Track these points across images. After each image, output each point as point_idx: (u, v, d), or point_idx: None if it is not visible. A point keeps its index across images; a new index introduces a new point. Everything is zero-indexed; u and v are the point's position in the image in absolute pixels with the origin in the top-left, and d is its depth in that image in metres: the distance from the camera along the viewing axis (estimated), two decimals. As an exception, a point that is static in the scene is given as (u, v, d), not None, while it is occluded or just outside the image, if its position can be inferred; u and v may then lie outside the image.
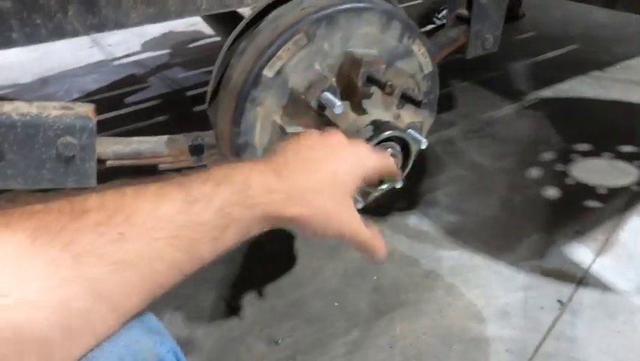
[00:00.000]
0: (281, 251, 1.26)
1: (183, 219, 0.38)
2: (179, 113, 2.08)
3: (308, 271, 1.18)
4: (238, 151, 0.68)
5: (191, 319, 1.08)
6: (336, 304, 1.09)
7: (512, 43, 2.48)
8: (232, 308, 1.10)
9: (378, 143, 0.64)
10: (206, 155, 0.86)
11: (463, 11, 1.02)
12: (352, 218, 0.50)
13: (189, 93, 2.24)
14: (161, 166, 0.83)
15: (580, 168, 1.45)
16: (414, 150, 0.71)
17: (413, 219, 1.31)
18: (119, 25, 0.65)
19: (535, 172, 1.46)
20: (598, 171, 1.43)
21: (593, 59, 2.17)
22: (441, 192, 1.41)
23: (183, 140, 0.84)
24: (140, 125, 1.99)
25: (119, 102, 2.20)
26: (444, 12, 2.80)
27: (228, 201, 0.41)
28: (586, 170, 1.44)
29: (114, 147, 0.78)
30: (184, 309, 1.10)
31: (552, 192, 1.37)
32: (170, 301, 1.13)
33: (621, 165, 1.45)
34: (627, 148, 1.51)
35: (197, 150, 0.84)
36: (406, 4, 3.29)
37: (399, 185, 0.78)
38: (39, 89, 2.45)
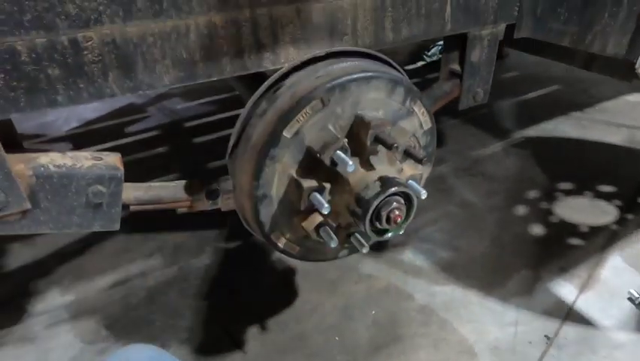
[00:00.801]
0: (281, 285, 1.31)
1: None
2: (179, 143, 2.14)
3: (309, 305, 1.23)
4: (256, 201, 0.75)
5: (196, 353, 1.12)
6: (336, 338, 1.14)
7: (498, 82, 2.61)
8: (236, 343, 1.14)
9: (385, 197, 0.71)
10: (221, 199, 0.92)
11: (456, 67, 1.12)
12: None
13: (188, 124, 2.30)
14: (179, 210, 0.88)
15: (563, 206, 1.54)
16: (415, 201, 0.78)
17: (408, 255, 1.38)
18: (152, 87, 0.72)
19: (522, 210, 1.55)
20: (580, 210, 1.52)
21: (573, 99, 2.31)
22: (434, 228, 1.48)
23: (200, 185, 0.90)
24: (140, 155, 2.04)
25: (118, 132, 2.25)
26: (433, 50, 2.94)
27: None
28: (569, 208, 1.53)
29: (137, 193, 0.83)
30: (188, 344, 1.14)
31: (538, 230, 1.45)
32: (173, 334, 1.16)
33: (601, 204, 1.55)
34: (607, 188, 1.61)
35: (212, 195, 0.90)
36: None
37: (401, 232, 0.85)
38: (38, 116, 2.49)
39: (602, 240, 1.39)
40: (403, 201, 0.74)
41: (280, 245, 0.83)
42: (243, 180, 0.76)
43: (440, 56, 3.22)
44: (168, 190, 0.87)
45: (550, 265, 1.31)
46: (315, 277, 1.32)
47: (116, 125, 2.34)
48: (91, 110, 2.55)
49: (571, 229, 1.44)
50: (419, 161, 0.75)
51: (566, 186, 1.65)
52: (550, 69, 2.72)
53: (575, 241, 1.39)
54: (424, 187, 0.79)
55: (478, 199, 1.61)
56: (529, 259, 1.34)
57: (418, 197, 0.77)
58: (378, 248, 1.40)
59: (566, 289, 1.23)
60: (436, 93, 1.10)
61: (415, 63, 2.90)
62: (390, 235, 0.78)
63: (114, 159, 0.79)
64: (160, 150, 2.09)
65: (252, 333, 1.16)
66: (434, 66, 2.81)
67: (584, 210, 1.52)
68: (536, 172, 1.74)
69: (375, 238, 0.77)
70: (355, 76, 0.73)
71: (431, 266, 1.33)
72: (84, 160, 0.75)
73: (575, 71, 2.68)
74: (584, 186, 1.63)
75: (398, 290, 1.26)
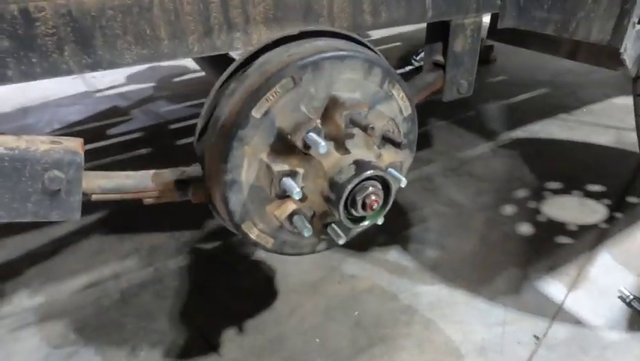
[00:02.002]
0: (260, 286, 1.25)
1: None
2: (162, 145, 2.09)
3: (288, 307, 1.18)
4: (225, 188, 0.70)
5: (168, 356, 1.06)
6: (317, 340, 1.09)
7: (486, 86, 2.61)
8: (211, 345, 1.08)
9: (360, 182, 0.67)
10: (191, 190, 0.87)
11: (440, 58, 1.09)
12: None
13: (172, 126, 2.26)
14: (146, 201, 0.83)
15: (551, 205, 1.51)
16: (394, 188, 0.74)
17: (393, 254, 1.33)
18: (114, 65, 0.68)
19: (510, 209, 1.51)
20: (568, 209, 1.49)
21: (560, 102, 2.30)
22: (421, 227, 1.44)
23: (169, 175, 0.85)
24: (122, 157, 1.98)
25: (101, 134, 2.20)
26: (421, 54, 2.94)
27: None
28: (557, 207, 1.50)
29: (100, 182, 0.79)
30: (161, 346, 1.08)
31: (526, 229, 1.42)
32: (145, 337, 1.10)
33: (590, 203, 1.52)
34: (595, 187, 1.59)
35: (182, 185, 0.86)
36: (385, 47, 3.43)
37: (380, 221, 0.80)
38: (19, 119, 2.43)
39: (591, 238, 1.36)
40: (380, 186, 0.70)
41: (252, 236, 0.78)
42: (210, 165, 0.71)
43: (428, 60, 3.17)
44: (134, 179, 0.82)
45: (538, 264, 1.27)
46: (296, 277, 1.27)
47: (99, 128, 2.29)
48: (74, 112, 2.50)
49: (559, 227, 1.41)
50: (398, 145, 0.71)
51: (554, 185, 1.62)
52: (538, 74, 2.73)
53: (563, 240, 1.36)
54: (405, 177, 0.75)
55: (466, 199, 1.57)
56: (518, 257, 1.30)
57: (398, 184, 0.73)
58: (363, 247, 1.35)
59: (554, 288, 1.19)
60: (419, 84, 1.06)
61: (403, 68, 2.90)
62: (367, 223, 0.74)
63: (74, 144, 0.74)
64: (142, 151, 2.04)
65: (229, 335, 1.11)
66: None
67: (573, 209, 1.49)
68: (524, 172, 1.72)
69: (351, 227, 0.73)
70: (329, 54, 0.69)
71: (417, 266, 1.29)
72: (40, 144, 0.70)
73: (562, 75, 2.69)
74: (573, 186, 1.60)
75: (382, 291, 1.21)
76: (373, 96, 0.77)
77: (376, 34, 3.47)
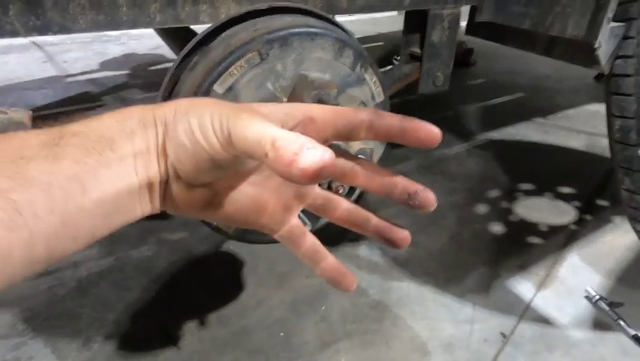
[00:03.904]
0: (227, 279, 1.21)
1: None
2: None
3: (254, 300, 1.14)
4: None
5: (123, 349, 1.01)
6: (281, 334, 1.05)
7: (465, 88, 2.63)
8: (170, 338, 1.03)
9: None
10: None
11: (416, 49, 1.07)
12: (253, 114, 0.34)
13: (145, 115, 2.18)
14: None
15: (523, 206, 1.52)
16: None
17: (364, 250, 1.31)
18: (65, 29, 0.63)
19: (482, 208, 1.51)
20: (540, 210, 1.50)
21: (536, 106, 2.33)
22: (392, 223, 1.42)
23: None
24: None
25: (66, 118, 2.11)
26: (402, 54, 2.93)
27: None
28: (529, 208, 1.51)
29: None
30: (116, 338, 1.03)
31: (497, 228, 1.41)
32: (100, 328, 1.05)
33: (561, 205, 1.53)
34: (566, 190, 1.60)
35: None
36: (368, 45, 3.43)
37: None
38: (-19, 101, 2.32)
39: (560, 239, 1.36)
40: (347, 171, 0.67)
41: (213, 222, 0.74)
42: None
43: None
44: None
45: (508, 263, 1.27)
46: (264, 270, 1.23)
47: (68, 112, 2.20)
48: (41, 96, 2.40)
49: (530, 228, 1.41)
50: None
51: (526, 186, 1.63)
52: (517, 78, 2.76)
53: (534, 240, 1.36)
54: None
55: (439, 197, 1.55)
56: (488, 256, 1.29)
57: None
58: (333, 243, 1.32)
59: (523, 287, 1.18)
60: (395, 74, 1.04)
61: (384, 67, 2.90)
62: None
63: (21, 115, 0.69)
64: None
65: (190, 328, 1.06)
66: (403, 70, 2.81)
67: (544, 210, 1.50)
68: (498, 173, 1.72)
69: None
70: (298, 30, 0.66)
71: (387, 262, 1.27)
72: (-18, 112, 0.65)
73: (539, 80, 2.73)
74: (544, 187, 1.61)
75: (351, 285, 1.18)
76: (344, 79, 0.74)
77: (359, 32, 3.46)
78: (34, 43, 3.41)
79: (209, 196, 0.40)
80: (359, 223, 0.47)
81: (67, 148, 0.32)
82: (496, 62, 3.07)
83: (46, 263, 0.34)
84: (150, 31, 1.63)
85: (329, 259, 0.48)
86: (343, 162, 0.44)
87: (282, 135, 0.30)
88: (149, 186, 0.37)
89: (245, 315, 1.10)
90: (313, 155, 0.28)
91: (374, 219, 0.47)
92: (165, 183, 0.38)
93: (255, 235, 0.80)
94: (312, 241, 0.48)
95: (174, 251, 1.30)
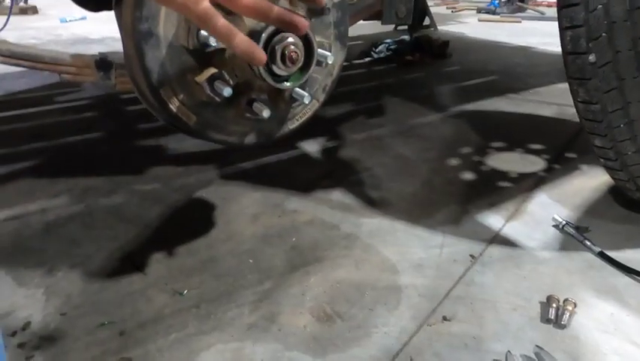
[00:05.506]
0: (197, 218, 1.20)
1: None
2: (110, 110, 2.02)
3: (224, 235, 1.13)
4: (140, 40, 0.67)
5: (88, 275, 0.99)
6: (250, 261, 1.04)
7: (440, 74, 2.70)
8: (136, 266, 1.02)
9: (280, 31, 0.66)
10: (114, 74, 0.84)
11: (379, -17, 1.11)
12: None
13: (125, 96, 2.19)
14: (64, 76, 0.79)
15: (494, 159, 1.54)
16: (315, 48, 0.72)
17: (337, 195, 1.32)
18: None
19: (454, 162, 1.53)
20: (510, 161, 1.53)
21: (509, 86, 2.40)
22: (366, 174, 1.44)
23: (90, 57, 0.82)
24: (66, 119, 1.90)
25: (46, 101, 2.11)
26: (380, 47, 3.03)
27: None
28: (499, 160, 1.53)
29: (11, 46, 0.74)
30: (81, 267, 1.01)
31: (469, 176, 1.43)
32: (66, 260, 1.03)
33: (531, 157, 1.56)
34: (536, 146, 1.64)
35: (103, 65, 0.82)
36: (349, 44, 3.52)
37: (307, 100, 0.79)
38: (-42, 86, 2.31)
39: (530, 183, 1.39)
40: (301, 43, 0.69)
41: (173, 108, 0.74)
42: (126, 18, 0.68)
43: (388, 53, 3.28)
44: (51, 53, 0.78)
45: (479, 202, 1.28)
46: (236, 212, 1.23)
47: (45, 97, 2.20)
48: (21, 84, 2.40)
49: (501, 175, 1.44)
50: (322, 11, 0.71)
51: (497, 144, 1.66)
52: (489, 65, 2.84)
53: (504, 184, 1.38)
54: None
55: (412, 154, 1.58)
56: (459, 197, 1.31)
57: (325, 60, 0.72)
58: (307, 189, 1.33)
59: (493, 220, 1.20)
60: (359, 5, 1.08)
61: (363, 59, 2.97)
62: (289, 84, 0.72)
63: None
64: (88, 114, 1.97)
65: (157, 258, 1.05)
66: (380, 61, 2.89)
67: (514, 162, 1.53)
68: (470, 135, 1.75)
69: (272, 83, 0.71)
70: None
71: (360, 204, 1.27)
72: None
73: (511, 68, 2.82)
74: (515, 145, 1.65)
75: (323, 222, 1.18)
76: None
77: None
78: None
79: None
80: (263, 11, 0.50)
81: None
82: (469, 54, 3.17)
83: None
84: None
85: (241, 34, 0.52)
86: None
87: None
88: None
89: (214, 246, 1.09)
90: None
91: (276, 8, 0.51)
92: None
93: (216, 132, 0.80)
94: (225, 21, 0.51)
95: (145, 199, 1.30)
